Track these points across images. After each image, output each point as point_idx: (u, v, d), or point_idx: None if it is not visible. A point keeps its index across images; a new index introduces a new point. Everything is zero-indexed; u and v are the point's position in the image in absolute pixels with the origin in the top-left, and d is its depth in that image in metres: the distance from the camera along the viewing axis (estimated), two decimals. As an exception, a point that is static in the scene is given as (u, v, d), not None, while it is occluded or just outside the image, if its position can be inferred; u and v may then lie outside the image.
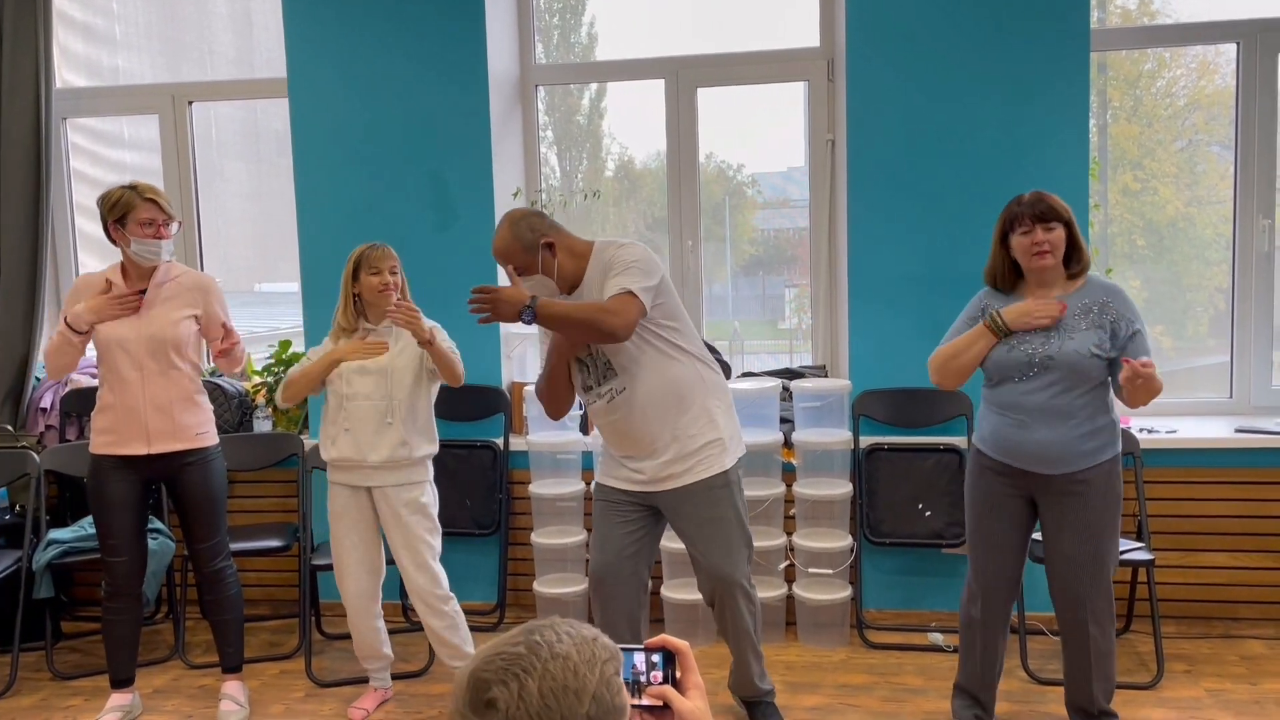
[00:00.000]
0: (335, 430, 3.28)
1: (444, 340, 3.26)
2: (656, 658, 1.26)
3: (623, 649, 1.25)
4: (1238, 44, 4.05)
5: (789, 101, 4.37)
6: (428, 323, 3.20)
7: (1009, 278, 2.92)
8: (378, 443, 3.24)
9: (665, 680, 1.25)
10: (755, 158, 4.69)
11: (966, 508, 3.02)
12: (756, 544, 3.78)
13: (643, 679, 1.25)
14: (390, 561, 3.43)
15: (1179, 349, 4.43)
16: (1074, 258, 2.87)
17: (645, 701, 1.24)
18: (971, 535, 3.00)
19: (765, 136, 4.60)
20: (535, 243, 2.85)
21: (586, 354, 2.94)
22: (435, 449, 3.37)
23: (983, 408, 2.97)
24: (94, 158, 4.99)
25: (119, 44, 5.43)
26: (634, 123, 4.74)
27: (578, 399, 3.06)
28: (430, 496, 3.37)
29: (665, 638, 1.26)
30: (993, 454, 2.90)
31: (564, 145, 4.87)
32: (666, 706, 1.23)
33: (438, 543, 3.37)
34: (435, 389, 3.38)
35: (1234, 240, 4.12)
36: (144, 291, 3.22)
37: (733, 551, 2.98)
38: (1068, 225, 2.83)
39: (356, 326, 3.30)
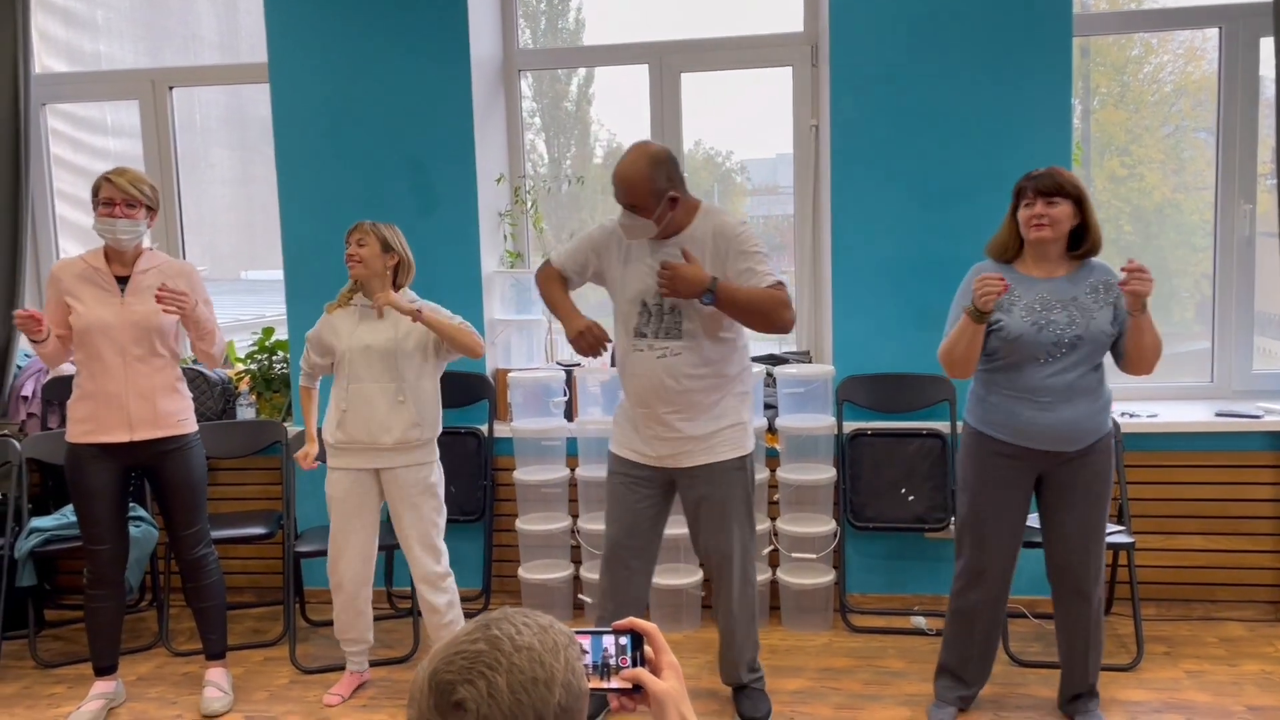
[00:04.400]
0: (340, 414, 3.28)
1: (445, 315, 3.28)
2: (625, 640, 1.25)
3: (591, 633, 1.25)
4: (1220, 28, 4.05)
5: (779, 87, 4.36)
6: (419, 303, 3.24)
7: (1011, 248, 2.91)
8: (390, 424, 3.25)
9: (635, 663, 1.25)
10: (744, 144, 4.68)
11: (968, 493, 2.98)
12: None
13: (612, 662, 1.25)
14: (383, 546, 3.46)
15: (1165, 335, 4.37)
16: (1083, 237, 2.85)
17: (615, 685, 1.24)
18: (974, 520, 2.96)
19: (755, 123, 4.59)
20: (663, 193, 2.87)
21: (656, 303, 2.95)
22: (440, 428, 3.39)
23: (983, 392, 2.93)
24: (75, 144, 4.94)
25: (100, 29, 5.36)
26: (622, 109, 4.71)
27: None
28: (439, 475, 3.39)
29: (633, 620, 1.26)
30: (1006, 438, 2.87)
31: (552, 131, 4.84)
32: (639, 688, 1.23)
33: (443, 522, 3.40)
34: (441, 368, 3.39)
35: (1215, 225, 4.14)
36: (124, 280, 3.20)
37: (735, 533, 3.03)
38: (1078, 202, 2.81)
39: (350, 300, 3.33)
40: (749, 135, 4.64)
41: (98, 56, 5.31)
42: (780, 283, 2.90)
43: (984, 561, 2.97)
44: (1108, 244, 4.44)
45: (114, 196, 3.13)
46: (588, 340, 2.96)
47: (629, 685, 1.23)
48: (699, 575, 3.91)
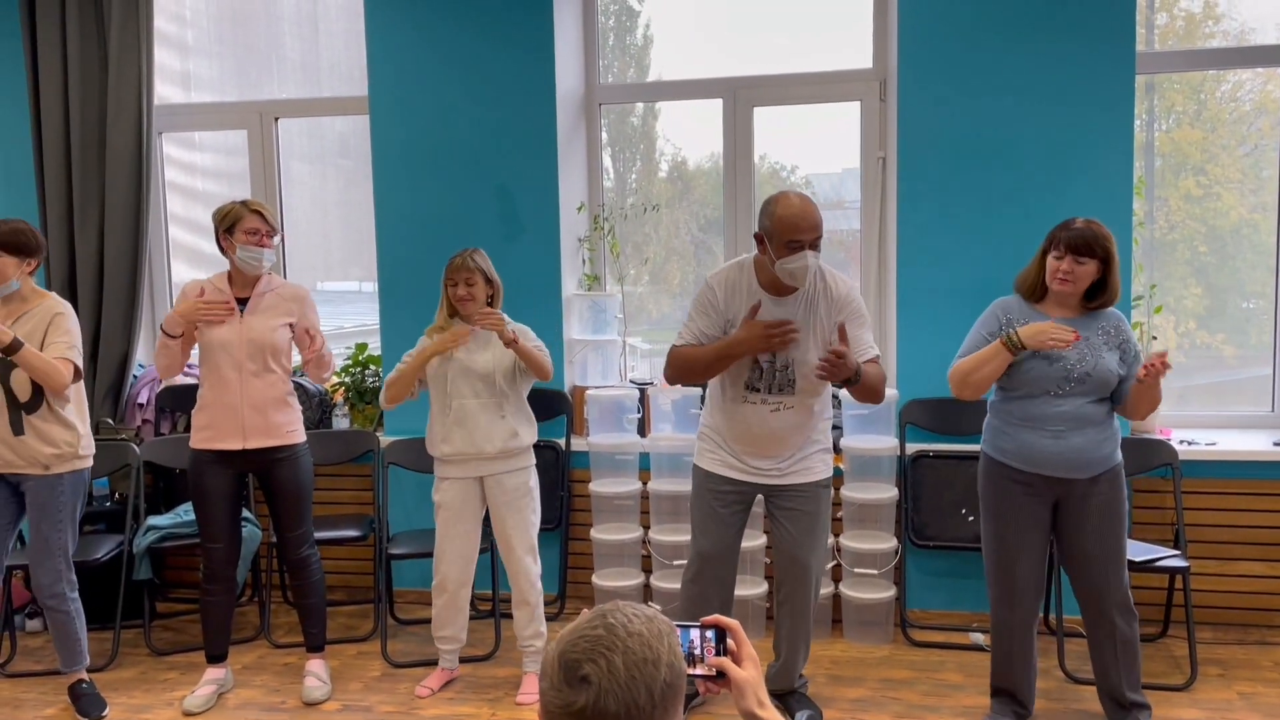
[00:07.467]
0: (446, 429, 3.56)
1: (530, 340, 3.54)
2: (710, 634, 1.47)
3: (680, 626, 1.46)
4: (1284, 67, 4.14)
5: (847, 113, 4.52)
6: (511, 325, 3.48)
7: (1038, 290, 3.11)
8: (492, 435, 3.53)
9: (719, 653, 1.47)
10: (810, 158, 4.83)
11: (990, 519, 3.17)
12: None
13: (697, 651, 1.47)
14: (482, 550, 3.73)
15: (1241, 358, 4.42)
16: (1099, 292, 3.04)
17: (701, 671, 1.46)
18: (998, 545, 3.15)
19: (821, 138, 4.74)
20: None
21: (769, 360, 3.17)
22: (536, 434, 3.68)
23: (998, 423, 3.14)
24: (167, 159, 5.26)
25: (190, 49, 5.68)
26: (687, 124, 4.90)
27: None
28: (536, 480, 3.66)
29: (718, 617, 1.48)
30: (1022, 466, 3.06)
31: (618, 147, 5.02)
32: (722, 675, 1.45)
33: (538, 525, 3.67)
34: (529, 384, 3.66)
35: (1276, 249, 4.21)
36: (244, 301, 3.50)
37: (819, 545, 3.30)
38: (1105, 261, 3.00)
39: (448, 327, 3.58)
40: (814, 149, 4.79)
41: (186, 76, 5.62)
42: (878, 354, 3.20)
43: (1011, 584, 3.15)
44: (1182, 264, 4.54)
45: (259, 227, 3.45)
46: (779, 329, 3.02)
47: (713, 672, 1.45)
48: (764, 587, 4.10)
